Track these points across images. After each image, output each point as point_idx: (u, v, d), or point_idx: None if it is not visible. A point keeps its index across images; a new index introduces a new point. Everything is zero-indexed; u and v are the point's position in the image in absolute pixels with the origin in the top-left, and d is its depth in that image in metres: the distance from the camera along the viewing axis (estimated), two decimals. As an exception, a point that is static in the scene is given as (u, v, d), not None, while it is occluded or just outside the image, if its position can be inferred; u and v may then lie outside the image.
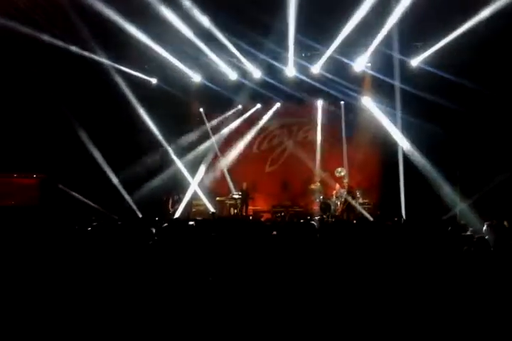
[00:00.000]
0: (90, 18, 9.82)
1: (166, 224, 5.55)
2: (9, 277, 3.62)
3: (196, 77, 13.40)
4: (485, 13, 9.20)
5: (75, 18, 9.72)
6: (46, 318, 3.19)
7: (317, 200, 13.13)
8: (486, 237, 4.37)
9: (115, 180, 12.03)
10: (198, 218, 9.93)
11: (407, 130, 11.94)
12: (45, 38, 10.05)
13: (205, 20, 10.04)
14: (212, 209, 13.42)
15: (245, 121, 14.43)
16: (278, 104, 14.21)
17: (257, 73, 12.75)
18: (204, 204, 13.79)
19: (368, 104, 13.10)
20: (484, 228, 4.76)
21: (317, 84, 12.80)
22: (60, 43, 10.41)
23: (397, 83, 11.47)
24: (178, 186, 13.60)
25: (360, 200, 12.68)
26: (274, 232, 5.38)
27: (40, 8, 9.63)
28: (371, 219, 11.18)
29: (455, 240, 4.38)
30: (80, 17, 9.75)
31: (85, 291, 3.46)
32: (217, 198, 13.80)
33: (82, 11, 9.57)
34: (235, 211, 13.17)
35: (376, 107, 12.93)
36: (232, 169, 14.19)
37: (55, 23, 10.02)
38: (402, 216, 11.24)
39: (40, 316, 3.21)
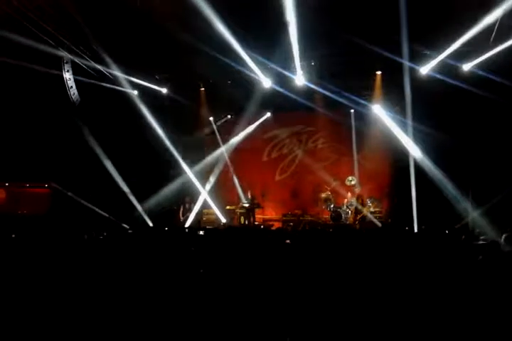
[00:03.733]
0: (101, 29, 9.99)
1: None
2: (19, 285, 3.64)
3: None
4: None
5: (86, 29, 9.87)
6: (56, 326, 3.19)
7: (328, 209, 13.08)
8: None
9: (126, 189, 12.09)
10: (208, 227, 9.93)
11: (418, 138, 11.87)
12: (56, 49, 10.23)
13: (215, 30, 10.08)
14: (222, 218, 13.42)
15: (255, 129, 14.45)
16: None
17: (266, 82, 12.79)
18: (214, 213, 13.79)
19: (379, 112, 13.06)
20: (503, 239, 4.67)
21: (327, 93, 12.81)
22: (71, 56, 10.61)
23: (407, 91, 11.41)
24: (188, 195, 13.62)
25: (372, 209, 12.62)
26: (288, 241, 5.36)
27: (49, 17, 9.78)
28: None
29: (469, 249, 4.32)
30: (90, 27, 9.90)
31: (95, 301, 3.46)
32: (227, 207, 13.80)
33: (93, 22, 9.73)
34: (246, 220, 13.12)
35: (386, 115, 12.89)
36: (241, 178, 14.19)
37: (63, 30, 10.16)
38: (413, 225, 11.17)
39: (50, 324, 3.21)
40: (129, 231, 8.87)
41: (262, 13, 9.59)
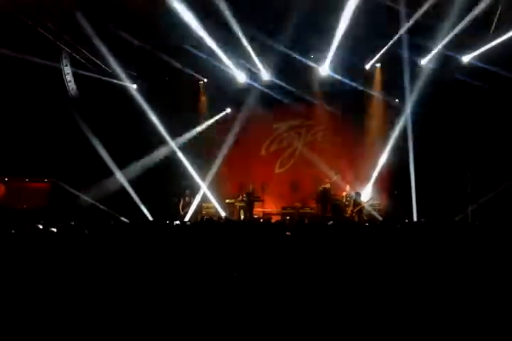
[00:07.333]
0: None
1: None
2: (21, 281, 3.64)
3: (204, 79, 13.47)
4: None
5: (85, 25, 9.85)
6: (57, 322, 3.19)
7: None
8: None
9: (125, 182, 12.08)
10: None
11: (418, 130, 11.86)
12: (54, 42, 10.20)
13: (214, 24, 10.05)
14: (222, 212, 13.41)
15: (254, 123, 14.40)
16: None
17: (265, 75, 12.75)
18: (214, 207, 13.78)
19: (378, 104, 13.02)
20: (499, 230, 4.69)
21: (326, 86, 12.78)
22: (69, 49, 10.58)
23: (406, 83, 11.39)
24: (188, 189, 13.59)
25: (371, 202, 12.61)
26: (288, 233, 5.34)
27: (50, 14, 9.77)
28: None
29: (468, 241, 4.33)
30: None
31: (96, 297, 3.46)
32: (227, 200, 13.79)
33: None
34: (246, 214, 13.13)
35: (386, 107, 12.86)
36: (241, 171, 14.17)
37: (63, 25, 10.13)
38: (413, 217, 11.19)
39: (51, 319, 3.21)
40: (129, 224, 8.87)
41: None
